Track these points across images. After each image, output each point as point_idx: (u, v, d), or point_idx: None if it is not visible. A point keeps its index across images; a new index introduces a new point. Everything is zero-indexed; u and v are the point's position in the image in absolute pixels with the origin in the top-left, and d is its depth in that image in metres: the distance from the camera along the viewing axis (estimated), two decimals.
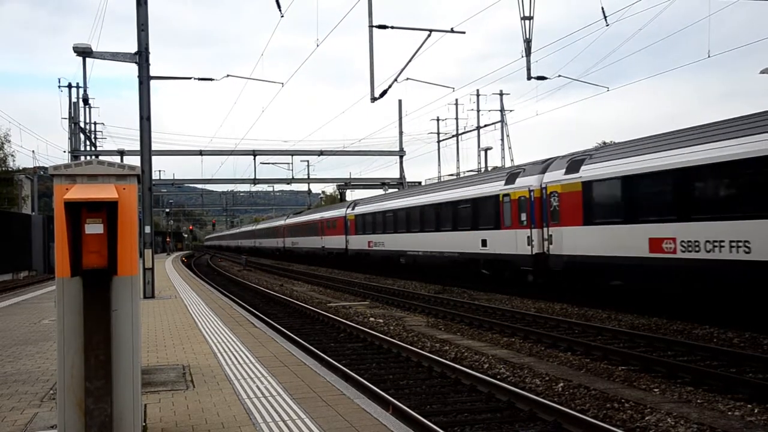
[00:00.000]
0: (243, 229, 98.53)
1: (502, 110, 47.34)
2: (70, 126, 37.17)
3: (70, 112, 37.53)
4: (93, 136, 44.29)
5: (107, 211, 4.51)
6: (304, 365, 8.15)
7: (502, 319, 15.42)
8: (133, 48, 17.76)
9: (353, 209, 36.80)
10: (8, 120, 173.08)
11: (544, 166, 18.72)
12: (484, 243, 21.35)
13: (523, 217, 18.99)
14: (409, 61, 19.61)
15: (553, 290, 18.48)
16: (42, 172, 51.46)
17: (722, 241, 12.54)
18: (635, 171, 14.87)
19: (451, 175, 45.50)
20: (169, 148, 46.27)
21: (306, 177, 55.88)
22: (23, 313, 15.18)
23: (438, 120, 52.52)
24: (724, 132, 12.94)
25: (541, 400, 7.69)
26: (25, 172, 53.25)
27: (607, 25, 16.98)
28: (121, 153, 37.93)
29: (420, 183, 41.13)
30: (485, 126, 48.37)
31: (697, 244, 13.10)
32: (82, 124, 38.89)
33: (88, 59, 30.27)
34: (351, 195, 56.79)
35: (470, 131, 49.51)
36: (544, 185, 18.20)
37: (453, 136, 51.17)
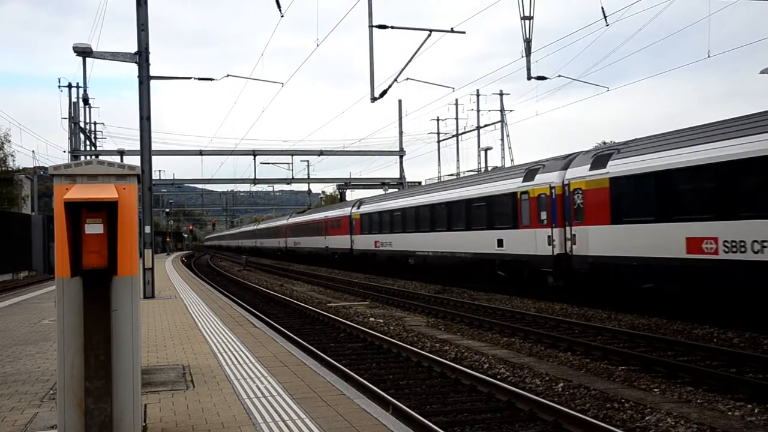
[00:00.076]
0: (244, 228, 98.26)
1: (502, 110, 47.37)
2: (70, 126, 37.18)
3: (70, 112, 37.54)
4: (93, 136, 44.31)
5: (107, 211, 4.51)
6: (304, 365, 8.15)
7: (502, 319, 15.42)
8: (133, 48, 17.78)
9: (359, 208, 35.88)
10: (8, 120, 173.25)
11: (566, 161, 17.79)
12: (500, 243, 20.39)
13: (544, 215, 18.04)
14: (409, 61, 19.62)
15: (576, 293, 17.60)
16: (42, 172, 51.48)
17: None
18: (671, 165, 13.85)
19: (451, 175, 45.52)
20: (169, 148, 46.36)
21: (306, 177, 55.90)
22: (23, 313, 15.18)
23: (438, 120, 52.59)
24: None
25: (541, 400, 7.69)
26: (25, 172, 53.25)
27: (607, 25, 16.99)
28: (121, 153, 37.93)
29: (420, 183, 41.12)
30: (485, 126, 48.42)
31: (743, 244, 12.12)
32: (82, 124, 38.91)
33: (88, 59, 30.31)
34: (351, 195, 56.84)
35: (470, 131, 49.56)
36: (566, 182, 17.24)
37: (453, 136, 51.21)
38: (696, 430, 6.88)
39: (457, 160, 51.83)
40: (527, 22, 17.29)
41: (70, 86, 39.05)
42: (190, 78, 21.74)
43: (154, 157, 18.44)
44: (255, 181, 44.55)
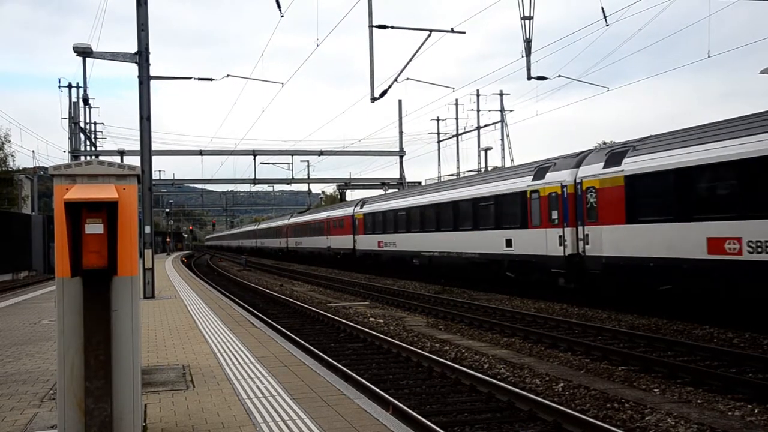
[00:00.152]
0: (244, 228, 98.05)
1: (502, 110, 47.37)
2: (70, 126, 37.18)
3: (70, 112, 37.54)
4: (93, 136, 44.32)
5: (107, 211, 4.51)
6: (304, 365, 8.15)
7: (502, 319, 15.42)
8: (133, 48, 17.78)
9: (362, 208, 35.25)
10: (8, 120, 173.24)
11: (578, 159, 17.24)
12: (508, 243, 19.80)
13: (555, 215, 17.51)
14: (409, 61, 19.62)
15: (588, 294, 17.07)
16: (42, 172, 51.48)
17: None
18: (692, 163, 13.29)
19: (452, 175, 45.51)
20: (169, 148, 46.39)
21: (306, 177, 55.94)
22: (23, 313, 15.18)
23: (438, 120, 52.58)
24: None
25: (541, 400, 7.69)
26: (25, 172, 53.26)
27: (607, 25, 16.99)
28: (121, 153, 37.93)
29: (420, 183, 41.12)
30: (485, 126, 48.43)
31: None
32: (82, 124, 38.91)
33: (88, 59, 30.31)
34: (351, 195, 56.79)
35: (470, 131, 49.56)
36: (578, 180, 16.68)
37: (453, 136, 51.21)
38: (696, 430, 6.88)
39: (457, 161, 51.88)
40: (527, 22, 17.29)
41: (70, 86, 39.08)
42: (190, 78, 21.76)
43: (154, 157, 18.44)
44: (255, 182, 44.57)
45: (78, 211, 4.48)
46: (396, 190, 39.93)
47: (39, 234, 39.55)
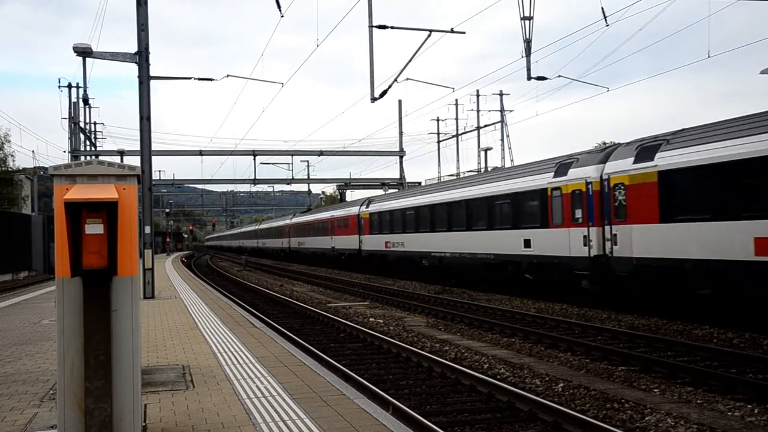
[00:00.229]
0: (245, 228, 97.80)
1: (502, 110, 47.38)
2: (70, 126, 37.17)
3: (70, 112, 37.54)
4: (93, 136, 44.32)
5: (107, 211, 4.51)
6: (304, 365, 8.15)
7: (502, 319, 15.42)
8: (133, 48, 17.78)
9: (368, 207, 34.29)
10: (8, 120, 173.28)
11: (604, 154, 16.35)
12: (527, 243, 18.83)
13: (578, 213, 16.56)
14: (409, 61, 19.63)
15: (615, 297, 16.21)
16: (42, 172, 51.50)
17: None
18: (738, 156, 12.27)
19: (452, 175, 45.52)
20: (169, 149, 46.34)
21: (306, 177, 55.95)
22: (23, 313, 15.18)
23: (438, 120, 52.59)
24: None
25: (541, 400, 7.69)
26: (25, 172, 53.28)
27: (607, 26, 16.99)
28: (121, 153, 37.93)
29: (420, 183, 41.12)
30: (485, 126, 48.43)
31: None
32: (82, 124, 38.90)
33: (88, 59, 30.31)
34: (351, 195, 56.76)
35: (470, 131, 49.57)
36: (605, 176, 15.72)
37: (453, 136, 51.22)
38: (696, 430, 6.88)
39: (457, 161, 51.93)
40: (527, 22, 17.30)
41: (70, 86, 39.07)
42: (190, 78, 21.76)
43: (154, 158, 18.44)
44: (255, 182, 44.54)
45: (78, 211, 4.48)
46: (396, 190, 39.88)
47: (39, 234, 39.56)
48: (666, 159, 14.02)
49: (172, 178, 55.55)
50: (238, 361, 8.44)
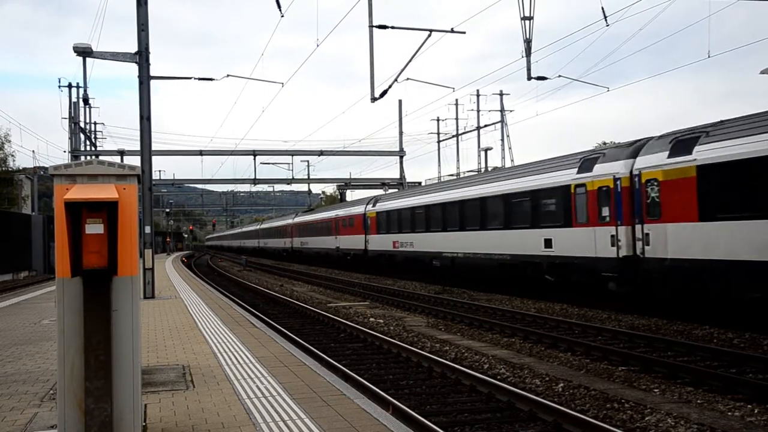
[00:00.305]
0: (246, 228, 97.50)
1: (502, 110, 47.39)
2: (70, 126, 37.18)
3: (70, 112, 37.55)
4: (93, 136, 44.33)
5: (107, 211, 4.51)
6: (304, 365, 8.15)
7: (502, 319, 15.42)
8: (133, 48, 17.79)
9: (374, 206, 33.31)
10: (8, 120, 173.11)
11: (634, 149, 15.38)
12: (548, 243, 17.91)
13: (606, 211, 15.62)
14: (410, 61, 19.63)
15: (646, 301, 15.28)
16: (42, 172, 51.51)
17: None
18: None
19: (452, 175, 45.52)
20: (169, 148, 46.41)
21: (306, 177, 55.95)
22: (23, 313, 15.19)
23: (438, 120, 52.61)
24: None
25: (541, 400, 7.69)
26: (25, 172, 53.30)
27: (607, 26, 16.99)
28: (122, 153, 37.93)
29: (420, 183, 41.11)
30: (485, 126, 48.45)
31: None
32: (82, 124, 38.91)
33: (88, 59, 30.32)
34: (351, 195, 56.75)
35: (470, 131, 49.59)
36: (636, 172, 14.79)
37: (453, 136, 51.24)
38: (696, 430, 6.88)
39: (457, 161, 51.93)
40: (527, 22, 17.30)
41: (70, 86, 39.09)
42: (190, 78, 21.76)
43: (154, 158, 18.44)
44: (255, 182, 44.52)
45: (78, 211, 4.48)
46: (396, 189, 39.84)
47: (39, 234, 39.56)
48: (706, 153, 13.03)
49: (172, 178, 55.53)
50: (239, 361, 8.44)
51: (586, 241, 16.36)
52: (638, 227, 14.80)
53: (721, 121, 13.55)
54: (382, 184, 43.73)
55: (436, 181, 36.51)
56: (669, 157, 13.95)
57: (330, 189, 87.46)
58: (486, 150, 46.90)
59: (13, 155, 50.91)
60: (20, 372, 8.07)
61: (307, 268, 44.23)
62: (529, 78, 18.32)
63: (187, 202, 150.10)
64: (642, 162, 14.76)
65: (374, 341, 12.69)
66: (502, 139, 46.36)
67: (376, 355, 11.60)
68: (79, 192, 4.53)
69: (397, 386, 9.11)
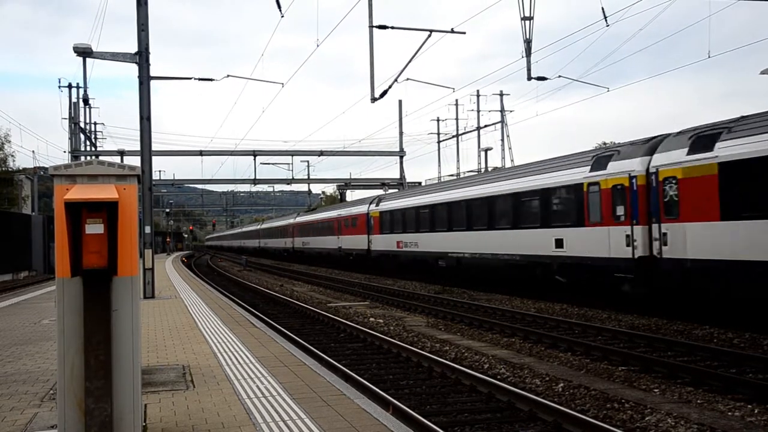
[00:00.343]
0: (246, 228, 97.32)
1: (502, 111, 47.39)
2: (70, 126, 37.18)
3: (70, 113, 37.54)
4: (93, 136, 44.33)
5: (107, 211, 4.51)
6: (304, 365, 8.15)
7: (502, 319, 15.42)
8: (133, 48, 17.79)
9: (377, 205, 32.85)
10: (8, 120, 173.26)
11: (650, 146, 14.89)
12: (559, 243, 17.43)
13: (620, 210, 15.13)
14: (410, 61, 19.63)
15: (663, 303, 14.78)
16: (42, 173, 51.54)
17: None
18: None
19: (452, 175, 45.52)
20: (169, 149, 46.34)
21: (306, 177, 55.97)
22: (23, 313, 15.19)
23: (438, 120, 52.61)
24: None
25: (541, 400, 7.69)
26: (25, 173, 53.33)
27: (608, 26, 16.99)
28: (122, 153, 37.93)
29: (420, 183, 41.11)
30: (485, 126, 48.45)
31: None
32: (82, 125, 38.90)
33: (88, 59, 30.31)
34: (351, 195, 56.72)
35: (470, 132, 49.59)
36: (653, 169, 14.30)
37: (453, 136, 51.24)
38: (696, 430, 6.88)
39: (458, 161, 51.92)
40: (527, 22, 17.30)
41: (70, 86, 39.08)
42: (190, 78, 21.76)
43: (154, 158, 18.45)
44: (255, 182, 44.50)
45: (78, 211, 4.48)
46: (396, 190, 39.82)
47: (39, 234, 39.57)
48: (729, 149, 12.54)
49: (172, 178, 55.57)
50: (239, 361, 8.44)
51: (599, 241, 15.88)
52: (655, 227, 14.34)
53: (743, 117, 13.16)
54: (382, 184, 43.73)
55: (438, 181, 36.39)
56: (688, 154, 13.48)
57: (330, 189, 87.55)
58: (486, 150, 46.91)
59: (13, 155, 51.02)
60: (20, 372, 8.07)
61: (307, 268, 44.23)
62: (529, 78, 18.32)
63: (187, 203, 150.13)
64: (659, 159, 14.29)
65: (374, 341, 12.69)
66: (502, 140, 46.42)
67: (376, 355, 11.60)
68: (79, 192, 4.54)
69: (397, 386, 9.11)
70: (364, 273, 34.37)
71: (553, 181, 17.94)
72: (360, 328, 13.91)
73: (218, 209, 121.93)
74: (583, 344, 11.51)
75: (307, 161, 56.67)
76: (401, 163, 41.74)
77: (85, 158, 28.15)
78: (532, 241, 18.72)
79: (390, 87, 19.76)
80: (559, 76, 22.27)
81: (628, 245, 14.91)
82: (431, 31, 19.14)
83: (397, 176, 42.03)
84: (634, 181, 14.87)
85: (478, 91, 49.26)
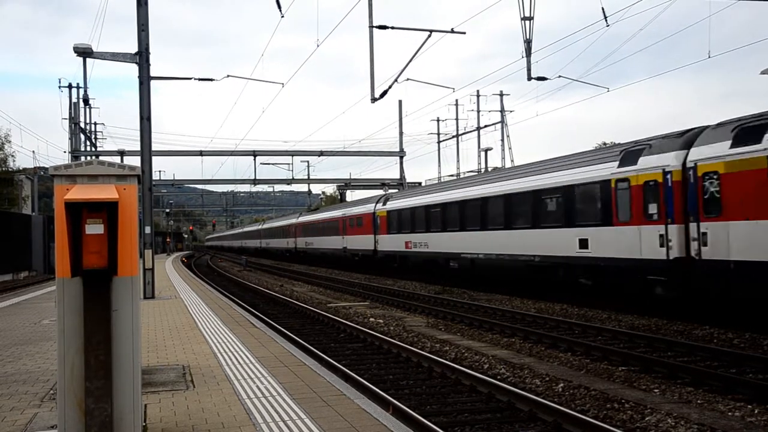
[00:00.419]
0: (247, 228, 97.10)
1: (502, 111, 47.39)
2: (70, 126, 37.19)
3: (70, 113, 37.56)
4: (93, 136, 44.34)
5: (107, 211, 4.51)
6: (304, 365, 8.15)
7: (502, 319, 15.42)
8: (133, 48, 17.80)
9: (384, 204, 31.90)
10: (8, 120, 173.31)
11: (686, 139, 13.91)
12: (583, 244, 16.50)
13: (653, 208, 14.19)
14: (410, 61, 19.64)
15: (702, 308, 13.80)
16: (42, 173, 51.57)
17: None
18: None
19: (452, 175, 45.51)
20: (170, 149, 46.32)
21: (306, 177, 55.97)
22: (23, 313, 15.19)
23: (438, 120, 52.60)
24: None
25: (541, 400, 7.69)
26: (26, 173, 53.36)
27: (608, 26, 16.99)
28: (122, 153, 37.94)
29: (420, 183, 41.10)
30: (485, 126, 48.45)
31: None
32: (82, 125, 38.91)
33: (88, 59, 30.33)
34: (351, 195, 56.71)
35: (470, 132, 49.59)
36: (690, 164, 13.36)
37: (453, 136, 51.24)
38: (696, 430, 6.88)
39: (458, 161, 51.91)
40: (527, 22, 17.30)
41: (70, 86, 39.10)
42: (190, 78, 21.78)
43: (154, 158, 18.45)
44: (255, 182, 44.53)
45: (78, 211, 4.48)
46: (396, 190, 39.79)
47: (39, 234, 39.58)
48: None
49: (172, 178, 55.61)
50: (239, 361, 8.44)
51: (629, 242, 14.91)
52: (692, 226, 13.34)
53: None
54: (382, 184, 43.73)
55: (447, 180, 36.19)
56: (732, 147, 12.52)
57: (330, 189, 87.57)
58: (486, 150, 46.92)
59: (13, 155, 51.05)
60: (20, 372, 8.07)
61: (307, 268, 44.23)
62: (530, 78, 18.32)
63: (187, 203, 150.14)
64: (697, 153, 13.30)
65: (374, 341, 12.69)
66: (503, 140, 46.42)
67: (376, 355, 11.60)
68: (80, 192, 4.54)
69: (397, 386, 9.11)
70: (371, 274, 33.59)
71: (577, 177, 16.98)
72: (360, 328, 13.91)
73: (218, 209, 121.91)
74: (583, 344, 11.51)
75: (307, 161, 56.72)
76: (401, 163, 41.77)
77: (85, 158, 28.16)
78: (554, 242, 17.83)
79: (390, 87, 19.78)
80: (559, 76, 22.27)
81: (661, 245, 13.98)
82: (431, 31, 19.15)
83: (397, 176, 42.03)
84: (668, 176, 13.92)
85: (478, 91, 49.31)
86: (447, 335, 13.80)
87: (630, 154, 15.32)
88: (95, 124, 46.50)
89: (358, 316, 17.36)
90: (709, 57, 18.28)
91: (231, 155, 42.48)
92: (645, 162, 14.65)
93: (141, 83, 17.57)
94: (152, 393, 6.73)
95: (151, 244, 17.64)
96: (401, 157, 41.74)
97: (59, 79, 39.97)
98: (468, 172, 42.95)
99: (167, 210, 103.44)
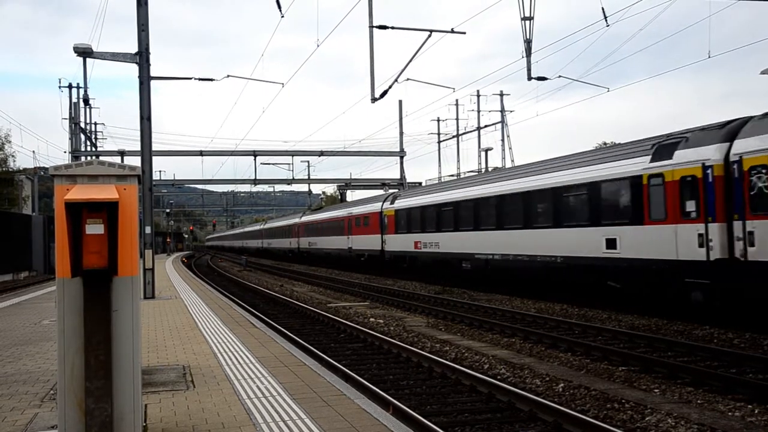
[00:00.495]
0: (248, 228, 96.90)
1: (502, 111, 47.40)
2: (70, 126, 37.19)
3: (70, 113, 37.56)
4: (93, 136, 44.34)
5: (108, 211, 4.51)
6: (304, 365, 8.15)
7: (503, 319, 15.42)
8: (133, 48, 17.81)
9: (392, 203, 30.98)
10: (8, 120, 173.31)
11: (728, 130, 12.92)
12: (611, 244, 15.52)
13: (691, 205, 13.22)
14: (410, 61, 19.64)
15: (749, 316, 12.73)
16: (42, 173, 51.59)
17: None
18: None
19: (452, 175, 45.51)
20: (170, 149, 46.32)
21: (306, 177, 55.99)
22: (23, 314, 15.19)
23: (438, 120, 52.62)
24: None
25: (542, 400, 7.69)
26: (26, 173, 53.39)
27: (608, 26, 16.99)
28: (122, 153, 37.94)
29: (420, 183, 41.09)
30: (486, 126, 48.48)
31: None
32: (82, 125, 38.91)
33: (88, 59, 30.32)
34: (351, 195, 56.67)
35: (471, 132, 49.61)
36: (734, 157, 12.39)
37: (453, 136, 51.26)
38: (696, 430, 6.89)
39: (458, 161, 51.94)
40: (527, 22, 17.30)
41: (70, 87, 39.10)
42: (190, 78, 21.79)
43: (154, 158, 18.45)
44: (255, 182, 44.49)
45: (78, 211, 4.48)
46: (396, 190, 39.75)
47: (39, 234, 39.59)
48: None
49: (172, 178, 55.63)
50: (239, 361, 8.45)
51: (663, 242, 13.90)
52: (737, 224, 12.37)
53: None
54: (383, 184, 43.73)
55: (459, 177, 36.02)
56: None
57: (330, 189, 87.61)
58: (486, 150, 46.90)
59: (13, 156, 51.15)
60: (20, 372, 8.07)
61: (307, 269, 44.23)
62: (530, 78, 18.32)
63: (188, 203, 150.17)
64: (742, 146, 12.33)
65: (374, 341, 12.69)
66: (503, 140, 46.45)
67: (376, 356, 11.60)
68: (80, 192, 4.54)
69: (397, 386, 9.11)
70: (378, 275, 32.86)
71: (604, 173, 15.98)
72: (360, 328, 13.92)
73: (218, 209, 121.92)
74: (583, 344, 11.51)
75: (308, 161, 56.75)
76: (401, 163, 41.76)
77: (86, 158, 28.15)
78: (578, 241, 16.82)
79: (390, 87, 19.78)
80: (560, 76, 22.28)
81: (701, 246, 12.99)
82: (431, 31, 19.15)
83: (398, 176, 42.03)
84: (709, 171, 12.92)
85: (478, 91, 49.33)
86: (447, 335, 13.80)
87: (664, 147, 14.34)
88: (95, 124, 46.57)
89: (359, 316, 17.36)
90: (709, 57, 18.28)
91: (231, 155, 42.49)
92: (681, 156, 13.69)
93: (141, 83, 17.57)
94: (152, 393, 6.73)
95: (152, 244, 17.65)
96: (401, 157, 41.75)
97: (59, 79, 40.02)
98: (468, 172, 42.94)
99: (167, 210, 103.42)
